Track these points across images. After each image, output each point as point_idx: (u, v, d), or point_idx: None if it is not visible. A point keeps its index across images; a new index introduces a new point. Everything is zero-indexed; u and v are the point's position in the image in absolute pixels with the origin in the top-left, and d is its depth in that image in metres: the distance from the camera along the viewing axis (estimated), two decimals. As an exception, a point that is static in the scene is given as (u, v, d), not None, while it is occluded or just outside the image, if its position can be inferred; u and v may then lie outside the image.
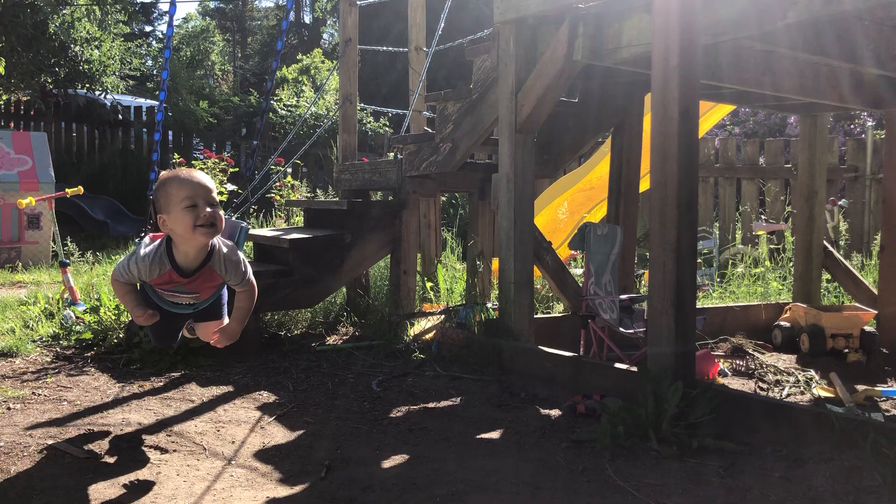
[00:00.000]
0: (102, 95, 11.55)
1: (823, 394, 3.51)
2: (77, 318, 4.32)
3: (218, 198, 2.52)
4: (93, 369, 3.71)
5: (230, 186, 5.92)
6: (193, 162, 5.94)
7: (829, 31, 3.25)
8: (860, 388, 3.56)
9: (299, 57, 16.19)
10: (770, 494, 2.23)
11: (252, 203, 5.09)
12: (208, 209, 2.40)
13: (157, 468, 2.48)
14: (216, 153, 9.26)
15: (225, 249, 2.55)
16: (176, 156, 6.11)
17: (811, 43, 3.35)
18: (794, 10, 2.70)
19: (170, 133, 11.97)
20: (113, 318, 4.15)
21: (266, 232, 4.71)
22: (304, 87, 14.27)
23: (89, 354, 3.94)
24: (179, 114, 11.82)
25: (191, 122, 11.96)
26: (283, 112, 12.13)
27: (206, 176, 2.53)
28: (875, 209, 7.22)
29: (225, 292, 2.81)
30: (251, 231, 4.79)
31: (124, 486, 2.32)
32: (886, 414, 3.22)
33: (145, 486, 2.32)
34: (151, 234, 2.64)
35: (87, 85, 11.14)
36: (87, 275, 5.66)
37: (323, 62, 15.94)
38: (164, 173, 2.55)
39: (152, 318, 2.57)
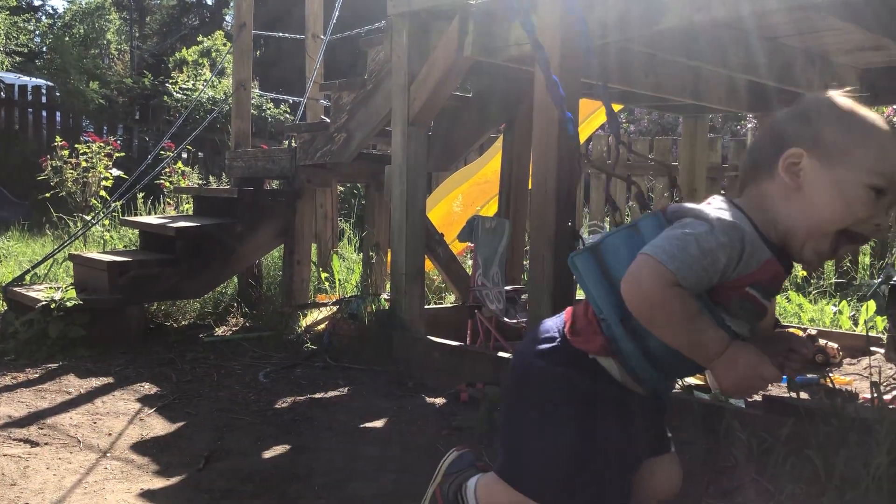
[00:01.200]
0: (-17, 72, 10.94)
1: (694, 382, 3.71)
2: (-54, 307, 4.11)
3: None
4: (-38, 361, 3.54)
5: (116, 172, 5.72)
6: (77, 145, 5.71)
7: (703, 37, 3.42)
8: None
9: (200, 39, 15.74)
10: (634, 476, 2.36)
11: (139, 189, 4.95)
12: (883, 218, 1.28)
13: (25, 462, 2.40)
14: (106, 136, 8.93)
15: None
16: (58, 139, 5.86)
17: (688, 48, 3.52)
18: (667, 16, 2.83)
19: (57, 114, 11.43)
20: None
21: (152, 219, 4.59)
22: (203, 70, 13.90)
23: (-41, 345, 3.76)
24: (68, 94, 11.29)
25: (81, 104, 11.45)
26: (179, 95, 11.78)
27: None
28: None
29: None
30: (136, 219, 4.67)
31: (-12, 481, 2.24)
32: (748, 400, 3.43)
33: (10, 481, 2.25)
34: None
35: (-33, 61, 10.53)
36: (-40, 261, 5.38)
37: (224, 45, 15.53)
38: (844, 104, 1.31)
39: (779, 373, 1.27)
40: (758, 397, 2.67)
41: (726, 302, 1.29)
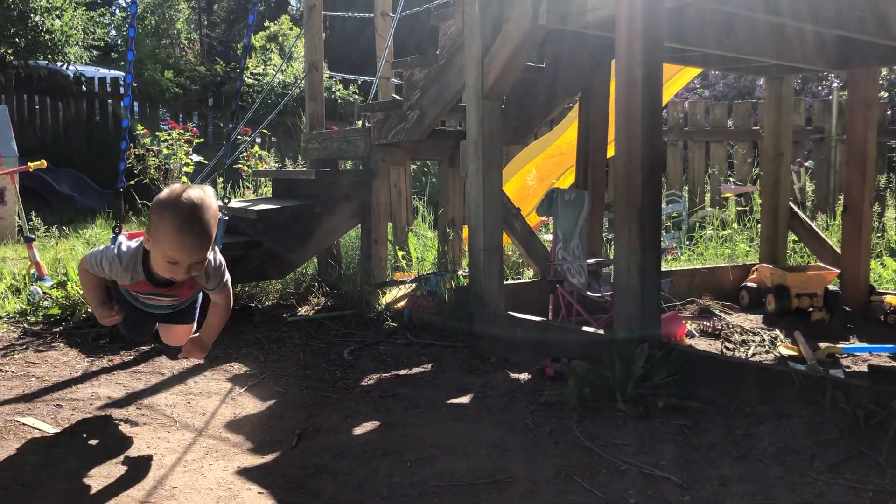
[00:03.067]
0: (65, 66, 11.29)
1: (787, 352, 3.58)
2: (44, 293, 4.27)
3: (212, 245, 2.23)
4: (61, 345, 3.68)
5: (196, 157, 5.84)
6: (158, 133, 5.84)
7: (789, -8, 3.26)
8: (823, 345, 3.64)
9: (266, 24, 15.93)
10: (732, 451, 2.29)
11: (219, 174, 5.04)
12: (185, 273, 2.19)
13: (128, 441, 2.48)
14: (182, 123, 9.13)
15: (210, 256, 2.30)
16: (140, 127, 6.02)
17: (771, 4, 3.36)
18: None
19: (135, 104, 11.76)
20: (81, 293, 4.11)
21: (233, 203, 4.67)
22: (271, 55, 14.07)
23: (57, 330, 3.91)
24: (144, 84, 11.58)
25: (156, 93, 11.74)
26: (251, 81, 11.95)
27: (206, 230, 2.14)
28: (840, 170, 7.31)
29: (199, 295, 2.62)
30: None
31: (94, 459, 2.32)
32: (847, 370, 3.30)
33: (116, 459, 2.32)
34: (128, 233, 2.47)
35: (49, 56, 10.88)
36: (53, 250, 5.60)
37: (291, 29, 15.71)
38: (164, 196, 2.17)
39: (114, 319, 2.46)
40: (863, 367, 2.55)
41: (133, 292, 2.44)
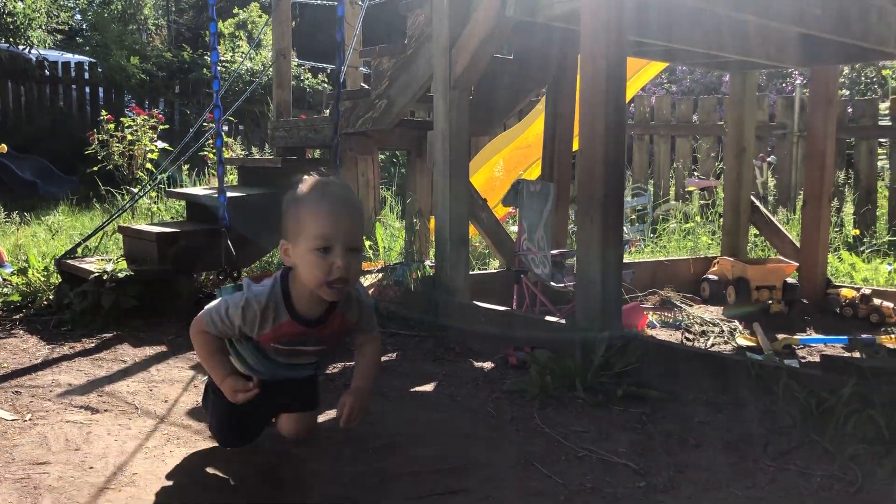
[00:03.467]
0: (28, 50, 11.08)
1: (745, 343, 3.66)
2: (4, 280, 4.21)
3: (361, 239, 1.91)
4: (21, 332, 3.63)
5: (161, 144, 5.78)
6: (122, 119, 5.77)
7: (753, -12, 3.31)
8: (780, 336, 3.72)
9: (235, 11, 15.75)
10: (689, 439, 2.34)
11: (184, 161, 4.99)
12: (342, 262, 1.79)
13: (87, 428, 2.46)
14: (148, 110, 9.03)
15: (357, 287, 1.98)
16: (104, 113, 5.93)
17: (736, 0, 3.41)
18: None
19: (100, 90, 11.58)
20: (42, 279, 4.06)
21: (199, 190, 4.64)
22: (240, 42, 13.92)
23: (18, 317, 3.85)
24: (109, 69, 11.41)
25: (121, 79, 11.57)
26: (219, 68, 11.82)
27: (358, 206, 1.88)
28: (801, 165, 7.45)
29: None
30: (183, 190, 4.72)
31: (53, 446, 2.30)
32: (802, 360, 3.38)
33: (74, 446, 2.31)
34: (252, 276, 2.07)
35: (11, 39, 10.67)
36: (14, 236, 5.51)
37: (260, 16, 15.53)
38: (303, 184, 1.88)
39: (251, 392, 1.90)
40: (818, 358, 2.62)
41: (266, 345, 1.97)
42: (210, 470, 2.16)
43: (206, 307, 1.94)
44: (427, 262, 4.20)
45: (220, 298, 1.94)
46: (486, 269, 4.96)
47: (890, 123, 7.24)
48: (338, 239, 1.78)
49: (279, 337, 1.92)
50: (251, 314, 1.87)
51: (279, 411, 2.20)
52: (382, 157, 8.59)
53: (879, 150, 7.45)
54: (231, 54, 12.52)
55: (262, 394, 1.95)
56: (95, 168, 6.01)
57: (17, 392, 2.78)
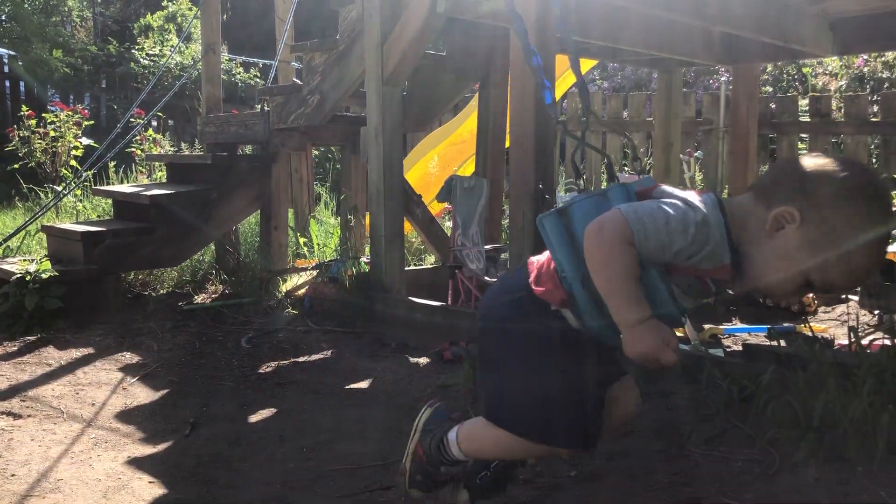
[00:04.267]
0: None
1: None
2: (-82, 282, 4.03)
3: None
4: (-63, 336, 3.49)
5: (86, 140, 5.61)
6: (44, 115, 5.57)
7: (678, -11, 3.40)
8: (707, 326, 3.83)
9: (165, 3, 15.37)
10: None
11: (111, 158, 4.86)
12: (810, 298, 1.47)
13: (9, 434, 2.38)
14: (73, 105, 8.72)
15: None
16: (24, 108, 5.72)
17: (664, 1, 3.50)
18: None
19: (21, 84, 11.15)
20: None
21: (125, 188, 4.53)
22: (169, 36, 13.60)
23: (-67, 321, 3.70)
24: (31, 63, 10.99)
25: (44, 73, 11.16)
26: (146, 62, 11.52)
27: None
28: (727, 160, 7.67)
29: None
30: (108, 188, 4.60)
31: (-28, 454, 2.22)
32: (727, 349, 3.49)
33: (-5, 454, 2.24)
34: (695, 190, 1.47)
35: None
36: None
37: (190, 9, 15.16)
38: (859, 180, 1.31)
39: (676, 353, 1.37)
40: (738, 347, 2.71)
41: (680, 277, 1.40)
42: (139, 474, 2.13)
43: (619, 209, 1.35)
44: (362, 259, 4.19)
45: (642, 203, 1.38)
46: (421, 265, 4.97)
47: (810, 119, 7.51)
48: (848, 285, 1.40)
49: (713, 277, 1.42)
50: (702, 238, 1.34)
51: (601, 392, 1.57)
52: (317, 153, 8.51)
53: (800, 145, 7.72)
54: (160, 48, 12.21)
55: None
56: (16, 165, 5.80)
57: (-67, 399, 2.68)
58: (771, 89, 10.74)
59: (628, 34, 3.95)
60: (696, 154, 7.49)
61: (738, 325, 4.09)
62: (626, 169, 8.01)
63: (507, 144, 4.83)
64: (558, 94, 5.20)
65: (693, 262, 1.36)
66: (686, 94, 8.06)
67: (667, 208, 1.35)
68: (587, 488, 1.98)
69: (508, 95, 4.49)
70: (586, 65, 5.82)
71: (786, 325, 3.84)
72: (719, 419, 2.37)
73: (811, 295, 4.31)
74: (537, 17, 2.91)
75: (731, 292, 1.48)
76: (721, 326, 3.86)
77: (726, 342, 3.66)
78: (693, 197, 1.39)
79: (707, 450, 2.17)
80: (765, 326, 3.80)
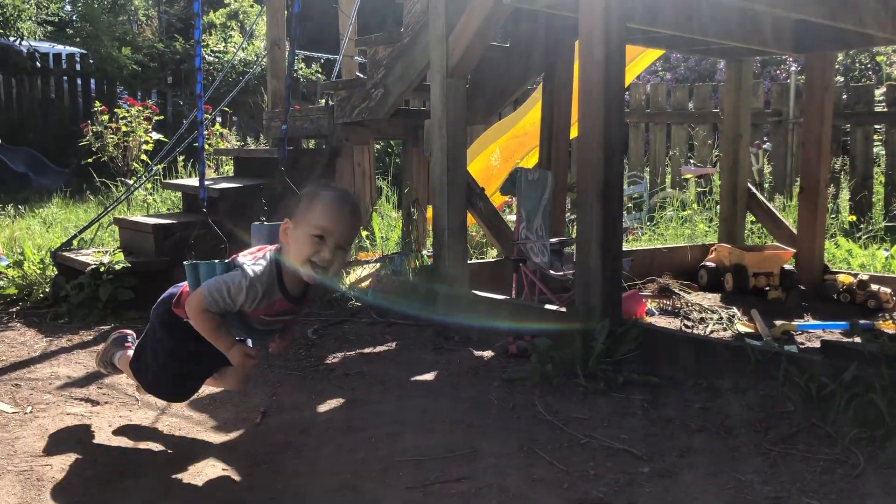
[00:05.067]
0: (18, 42, 10.99)
1: (744, 329, 3.67)
2: (0, 273, 4.19)
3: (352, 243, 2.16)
4: (19, 325, 3.62)
5: (155, 135, 5.75)
6: (116, 110, 5.73)
7: (751, -25, 3.30)
8: (778, 322, 3.73)
9: (227, 1, 15.66)
10: (690, 424, 2.34)
11: (179, 152, 4.97)
12: (329, 255, 2.02)
13: (88, 420, 2.45)
14: (141, 101, 8.95)
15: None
16: (98, 104, 5.89)
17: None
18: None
19: (92, 81, 11.50)
20: (38, 272, 4.04)
21: (194, 182, 4.62)
22: (232, 33, 13.85)
23: (14, 310, 3.84)
24: (101, 61, 11.32)
25: (113, 70, 11.49)
26: (211, 59, 11.76)
27: (359, 212, 2.13)
28: (797, 152, 7.46)
29: None
30: (179, 181, 4.71)
31: (53, 439, 2.29)
32: (801, 346, 3.39)
33: (76, 439, 2.30)
34: (250, 253, 2.19)
35: (1, 31, 10.58)
36: (9, 229, 5.48)
37: (252, 6, 15.44)
38: (324, 187, 2.12)
39: (258, 356, 2.15)
40: (817, 343, 2.62)
41: (254, 318, 2.15)
42: (211, 461, 2.16)
43: (201, 288, 2.07)
44: (424, 252, 4.20)
45: (215, 279, 2.07)
46: (483, 259, 4.96)
47: (885, 109, 7.24)
48: (335, 231, 2.04)
49: (271, 312, 2.15)
50: (253, 293, 2.06)
51: (216, 368, 2.34)
52: (377, 146, 8.56)
53: (875, 137, 7.46)
54: (223, 45, 12.45)
55: (196, 360, 2.26)
56: (90, 160, 5.98)
57: (16, 385, 2.77)
58: (842, 79, 10.39)
59: (697, 23, 3.85)
60: (764, 146, 7.30)
61: (810, 321, 3.97)
62: (692, 161, 7.86)
63: (572, 136, 4.78)
64: (627, 83, 5.12)
65: (256, 307, 2.08)
66: (754, 85, 7.85)
67: (228, 281, 2.04)
68: (661, 484, 1.94)
69: (574, 87, 4.46)
70: (651, 55, 5.71)
71: (862, 322, 3.71)
72: (796, 417, 2.31)
73: (889, 291, 4.16)
74: (607, 6, 2.86)
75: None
76: (793, 322, 3.76)
77: (799, 339, 3.56)
78: (251, 264, 2.07)
79: (785, 448, 2.11)
80: (841, 323, 3.68)
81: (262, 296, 2.06)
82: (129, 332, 2.56)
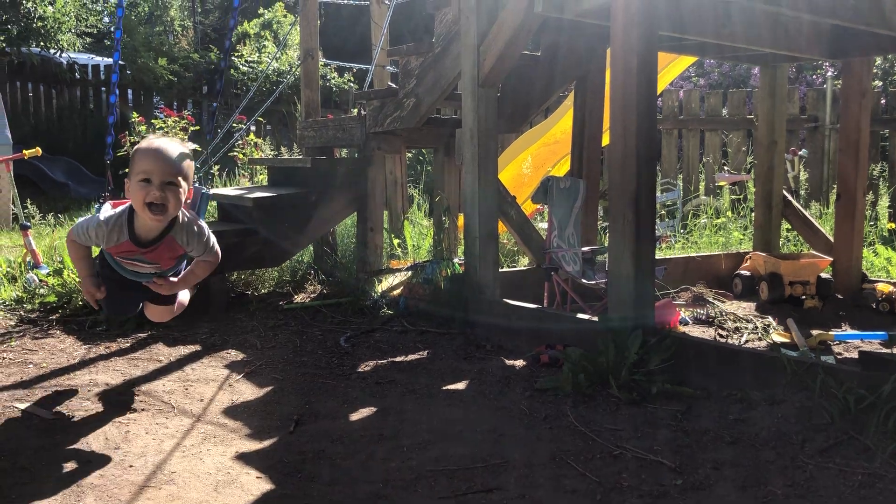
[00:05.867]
0: (58, 54, 11.23)
1: (780, 339, 3.62)
2: (40, 281, 4.28)
3: (184, 173, 2.42)
4: (58, 332, 3.69)
5: (191, 145, 5.83)
6: (153, 121, 5.83)
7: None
8: (815, 332, 3.67)
9: (261, 11, 15.84)
10: (724, 436, 2.32)
11: (214, 162, 5.04)
12: (157, 191, 2.34)
13: (125, 427, 2.50)
14: (177, 111, 9.10)
15: (186, 219, 2.52)
16: (135, 115, 6.00)
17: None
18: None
19: (129, 91, 11.71)
20: (77, 280, 4.11)
21: (229, 191, 4.68)
22: (266, 43, 14.01)
23: (54, 317, 3.92)
24: (138, 71, 11.52)
25: (150, 80, 11.68)
26: (245, 69, 11.91)
27: (176, 148, 2.43)
28: (834, 159, 7.34)
29: (182, 270, 2.74)
30: (214, 191, 4.77)
31: (93, 445, 2.34)
32: (838, 356, 3.33)
33: (114, 445, 2.34)
34: (113, 202, 2.62)
35: (42, 43, 10.81)
36: (48, 237, 5.58)
37: (285, 16, 15.61)
38: (143, 140, 2.52)
39: (98, 294, 2.60)
40: (854, 354, 2.58)
41: (117, 257, 2.58)
42: (246, 469, 2.19)
43: (78, 221, 2.54)
44: (456, 260, 4.20)
45: (88, 216, 2.55)
46: (514, 267, 4.95)
47: (925, 115, 7.10)
48: (154, 171, 2.35)
49: (120, 252, 2.53)
50: (101, 232, 2.45)
51: (143, 300, 2.82)
52: (409, 155, 8.59)
53: (914, 142, 7.31)
54: (258, 55, 12.60)
55: (120, 290, 2.68)
56: (127, 170, 6.05)
57: (57, 392, 2.83)
58: (880, 83, 10.22)
59: (730, 29, 3.82)
60: (800, 153, 7.19)
61: (848, 330, 3.90)
62: (726, 168, 7.77)
63: (604, 144, 4.76)
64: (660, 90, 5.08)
65: (109, 245, 2.50)
66: (789, 91, 7.74)
67: (89, 220, 2.50)
68: (693, 497, 1.93)
69: (606, 95, 4.44)
70: (684, 62, 5.67)
71: (902, 332, 3.64)
72: (833, 429, 2.27)
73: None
74: (639, 13, 2.85)
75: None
76: (830, 332, 3.69)
77: (836, 349, 3.50)
78: (109, 210, 2.51)
79: (822, 461, 2.08)
80: (881, 333, 3.61)
81: (108, 235, 2.45)
82: None
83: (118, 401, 2.74)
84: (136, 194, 2.36)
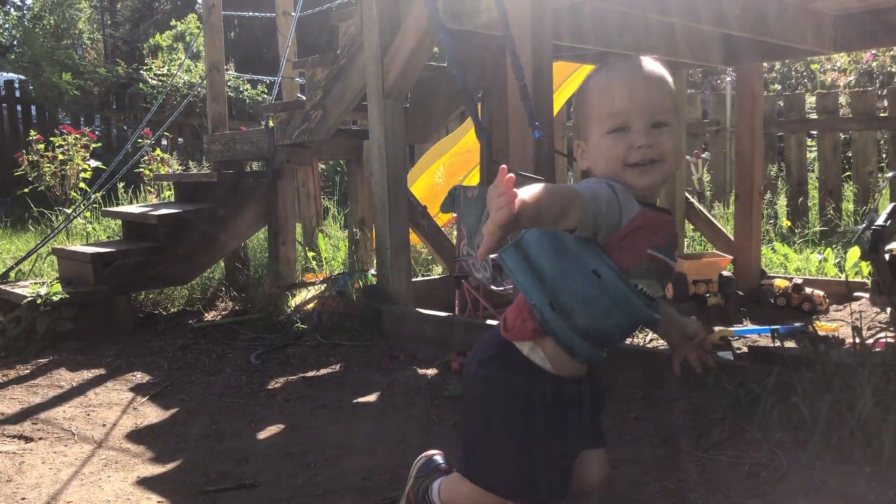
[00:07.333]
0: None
1: (682, 337, 3.73)
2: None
3: (677, 106, 1.55)
4: (-49, 362, 3.53)
5: (94, 163, 5.67)
6: (52, 139, 5.64)
7: (674, -8, 3.40)
8: (717, 329, 3.81)
9: (173, 23, 15.52)
10: (624, 434, 2.38)
11: (119, 179, 4.91)
12: (641, 139, 1.45)
13: (20, 458, 2.41)
14: (85, 127, 8.81)
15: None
16: (32, 132, 5.79)
17: (660, 4, 3.50)
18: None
19: (32, 108, 11.28)
20: (-28, 306, 3.95)
21: (134, 209, 4.57)
22: (178, 55, 13.72)
23: (-53, 346, 3.75)
24: (41, 87, 11.12)
25: (54, 96, 11.29)
26: (155, 82, 11.63)
27: (660, 70, 1.51)
28: (735, 160, 7.64)
29: None
30: (118, 209, 4.65)
31: (-16, 478, 2.25)
32: (738, 351, 3.47)
33: (6, 478, 2.26)
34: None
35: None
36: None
37: (199, 28, 15.32)
38: (593, 71, 1.55)
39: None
40: (745, 348, 2.69)
41: (634, 266, 1.45)
42: (147, 494, 2.14)
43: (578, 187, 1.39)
44: (370, 272, 4.20)
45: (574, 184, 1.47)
46: (429, 276, 4.98)
47: (816, 117, 7.47)
48: (635, 113, 1.45)
49: (652, 230, 1.45)
50: (622, 197, 1.42)
51: (577, 448, 1.59)
52: (325, 166, 8.55)
53: (809, 143, 7.68)
54: (168, 67, 12.32)
55: (565, 410, 1.53)
56: (26, 189, 5.87)
57: (-54, 424, 2.71)
58: (779, 87, 10.69)
59: (627, 38, 3.95)
60: (703, 155, 7.46)
61: (748, 326, 4.07)
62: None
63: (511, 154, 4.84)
64: (557, 107, 5.20)
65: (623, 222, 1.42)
66: (692, 95, 8.04)
67: (590, 189, 1.42)
68: (593, 497, 1.97)
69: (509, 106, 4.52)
70: (588, 70, 5.82)
71: (796, 324, 3.82)
72: (726, 423, 2.36)
73: (822, 294, 4.29)
74: (531, 26, 2.92)
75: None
76: (731, 328, 3.84)
77: (737, 344, 3.64)
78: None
79: (714, 454, 2.16)
80: (778, 327, 3.78)
81: (627, 202, 1.44)
82: (435, 451, 1.88)
83: (13, 431, 2.64)
84: (608, 153, 1.47)
